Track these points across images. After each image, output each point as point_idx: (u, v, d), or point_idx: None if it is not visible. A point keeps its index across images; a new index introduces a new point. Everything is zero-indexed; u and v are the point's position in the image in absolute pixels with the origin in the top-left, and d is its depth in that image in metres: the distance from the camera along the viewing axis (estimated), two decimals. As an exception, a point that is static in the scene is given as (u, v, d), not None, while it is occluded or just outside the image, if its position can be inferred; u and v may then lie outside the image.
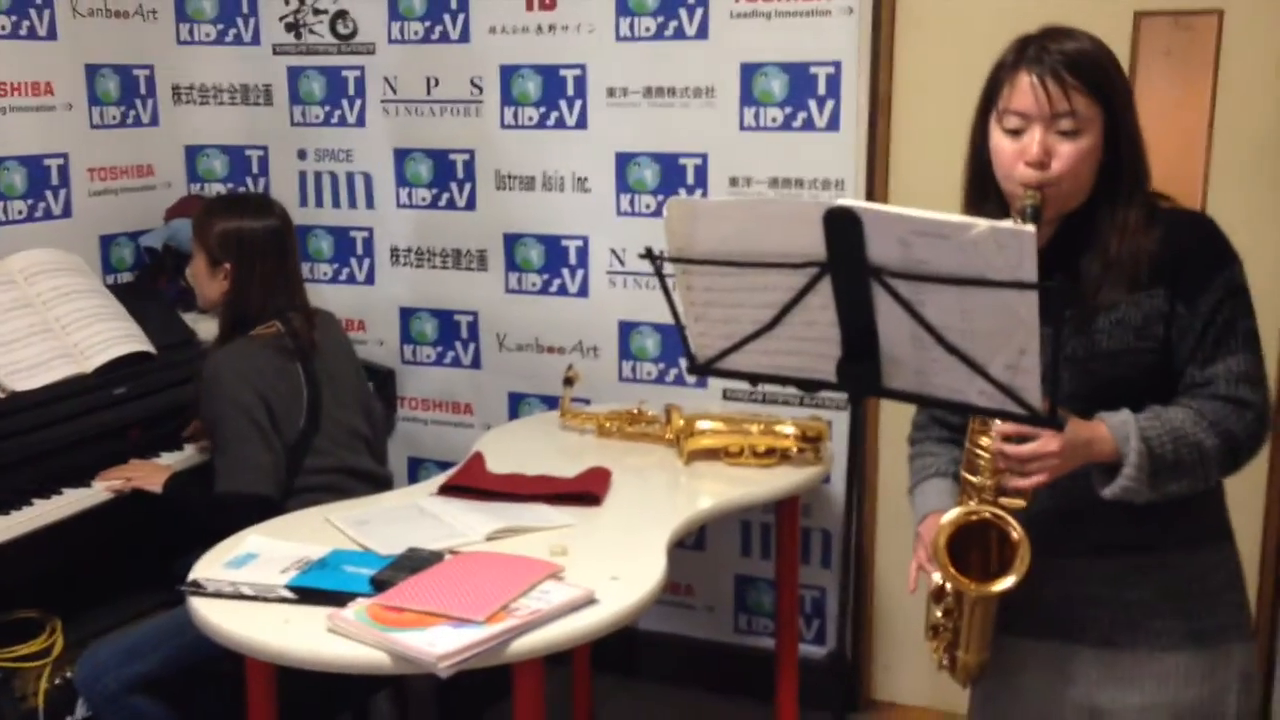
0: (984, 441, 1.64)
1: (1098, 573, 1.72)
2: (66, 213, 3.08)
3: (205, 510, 2.45)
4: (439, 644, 1.75)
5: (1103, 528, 1.69)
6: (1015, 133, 1.64)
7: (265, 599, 1.95)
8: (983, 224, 1.39)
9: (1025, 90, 1.62)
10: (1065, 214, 1.68)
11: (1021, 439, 1.59)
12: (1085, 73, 1.61)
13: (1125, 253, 1.64)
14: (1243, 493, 2.70)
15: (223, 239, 2.54)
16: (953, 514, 1.68)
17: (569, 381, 2.95)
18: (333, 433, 2.58)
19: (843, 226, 1.47)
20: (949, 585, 1.73)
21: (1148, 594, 1.70)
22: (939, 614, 1.79)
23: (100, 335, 2.76)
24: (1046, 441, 1.58)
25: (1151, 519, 1.66)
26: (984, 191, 1.72)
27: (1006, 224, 1.39)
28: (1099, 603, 1.72)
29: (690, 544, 3.21)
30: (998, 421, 1.61)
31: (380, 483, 2.68)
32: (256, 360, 2.49)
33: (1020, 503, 1.66)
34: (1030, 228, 1.37)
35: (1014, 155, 1.64)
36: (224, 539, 2.20)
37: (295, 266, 2.67)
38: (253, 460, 2.43)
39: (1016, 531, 1.63)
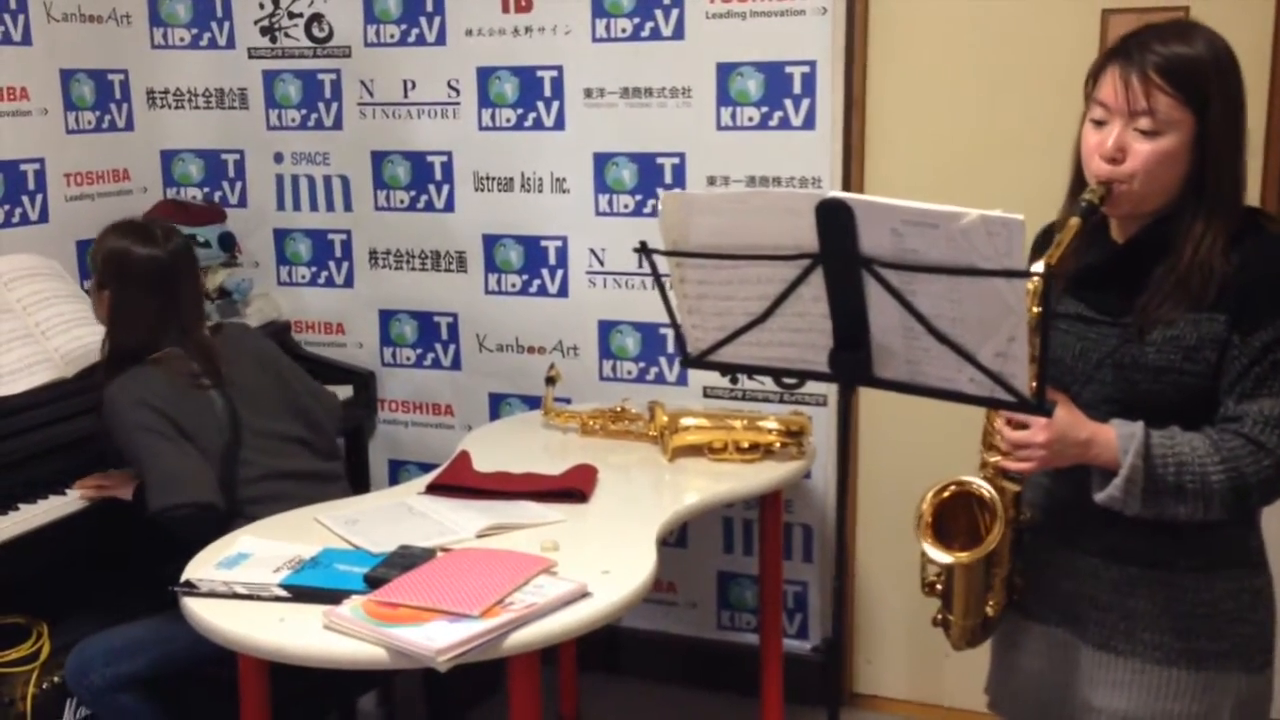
0: (998, 423, 1.68)
1: (1106, 577, 1.73)
2: (44, 218, 3.06)
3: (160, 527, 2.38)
4: (437, 638, 1.76)
5: (1117, 532, 1.69)
6: (1099, 124, 1.63)
7: (260, 598, 1.96)
8: (973, 213, 1.43)
9: (1109, 83, 1.61)
10: (1152, 216, 1.65)
11: (1021, 425, 1.62)
12: (1176, 76, 1.57)
13: (1195, 267, 1.60)
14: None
15: (105, 260, 2.46)
16: (932, 489, 1.73)
17: (551, 381, 2.97)
18: (256, 443, 2.50)
19: (835, 218, 1.50)
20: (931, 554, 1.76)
21: (1151, 607, 1.70)
22: (933, 574, 1.83)
23: (80, 340, 2.75)
24: (1035, 432, 1.61)
25: (1169, 536, 1.66)
26: (1084, 180, 1.68)
27: (996, 213, 1.42)
28: (1103, 607, 1.74)
29: (672, 541, 3.24)
30: None
31: (327, 479, 2.62)
32: (152, 384, 2.39)
33: (1015, 487, 1.70)
34: (1019, 216, 1.41)
35: (1093, 147, 1.63)
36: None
37: (189, 300, 2.52)
38: (171, 471, 2.33)
39: (987, 492, 1.69)
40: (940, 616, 1.85)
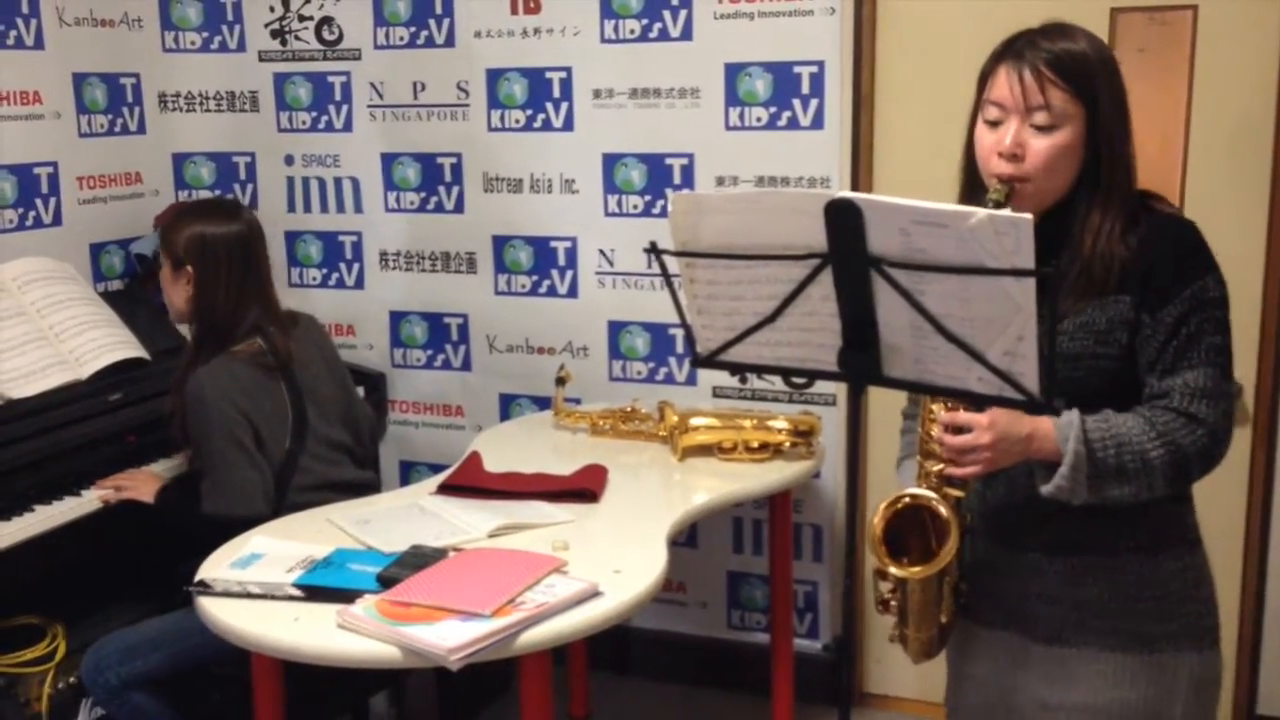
0: (934, 431, 1.69)
1: (1052, 570, 1.74)
2: (57, 221, 3.08)
3: (196, 527, 2.42)
4: (449, 637, 1.78)
5: (1059, 525, 1.71)
6: (994, 124, 1.67)
7: (274, 597, 1.97)
8: (981, 213, 1.43)
9: (1003, 82, 1.66)
10: (1046, 209, 1.68)
11: (959, 430, 1.63)
12: (1066, 70, 1.63)
13: (1096, 256, 1.65)
14: (1226, 492, 2.77)
15: (186, 242, 2.51)
16: (884, 503, 1.74)
17: (561, 381, 2.98)
18: (316, 450, 2.56)
19: (844, 218, 1.50)
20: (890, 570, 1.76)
21: (1099, 594, 1.72)
22: (885, 590, 1.83)
23: (94, 342, 2.77)
24: (979, 434, 1.62)
25: (1108, 521, 1.68)
26: (976, 181, 1.73)
27: (1005, 212, 1.43)
28: (1051, 600, 1.75)
29: (682, 541, 3.24)
30: (942, 411, 1.66)
31: (364, 490, 2.65)
32: (239, 379, 2.45)
33: (959, 493, 1.72)
34: (1028, 216, 1.41)
35: (990, 146, 1.67)
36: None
37: (265, 275, 2.61)
38: (239, 483, 2.40)
39: (945, 510, 1.69)
40: (897, 632, 1.86)
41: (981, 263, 1.45)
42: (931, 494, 1.71)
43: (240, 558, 2.12)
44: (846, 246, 1.53)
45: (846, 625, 1.92)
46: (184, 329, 3.06)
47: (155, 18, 3.37)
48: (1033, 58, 1.64)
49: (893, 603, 1.82)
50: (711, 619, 3.33)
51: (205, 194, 3.48)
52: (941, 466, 1.70)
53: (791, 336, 1.66)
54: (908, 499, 1.72)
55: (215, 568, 2.10)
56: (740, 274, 1.64)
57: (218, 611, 1.95)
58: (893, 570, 1.72)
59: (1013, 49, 1.67)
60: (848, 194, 1.50)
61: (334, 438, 2.63)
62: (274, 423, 2.49)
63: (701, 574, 3.31)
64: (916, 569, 1.71)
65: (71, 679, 2.45)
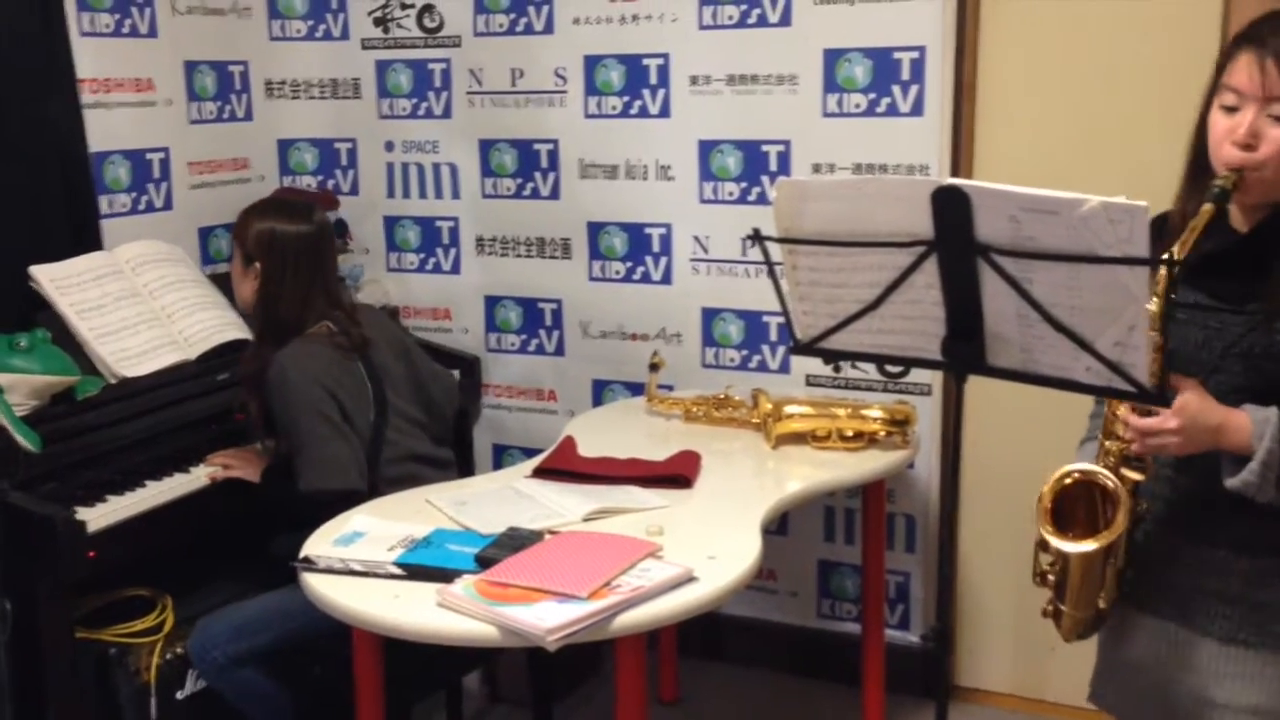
0: (1120, 410, 1.64)
1: (1237, 568, 1.69)
2: (168, 205, 3.17)
3: (296, 504, 2.47)
4: (547, 618, 1.80)
5: (1248, 524, 1.65)
6: (1230, 110, 1.60)
7: (375, 575, 2.01)
8: (1094, 200, 1.41)
9: (1243, 68, 1.58)
10: (1276, 201, 1.61)
11: (1149, 412, 1.58)
12: None
13: None
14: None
15: (256, 238, 2.56)
16: (1054, 475, 1.69)
17: (655, 367, 2.99)
18: (398, 423, 2.61)
19: (951, 205, 1.49)
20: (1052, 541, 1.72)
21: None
22: (1045, 564, 1.79)
23: (203, 324, 2.85)
24: (1166, 419, 1.57)
25: None
26: (1202, 166, 1.66)
27: (1119, 199, 1.40)
28: (1229, 599, 1.70)
29: (773, 529, 3.22)
30: None
31: (443, 464, 2.70)
32: (319, 357, 2.49)
33: (1138, 475, 1.67)
34: (1143, 203, 1.38)
35: (1223, 133, 1.60)
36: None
37: (331, 275, 2.65)
38: (331, 457, 2.44)
39: (1111, 483, 1.64)
40: (1051, 607, 1.82)
41: (1094, 251, 1.43)
42: (1101, 469, 1.66)
43: (343, 535, 2.17)
44: (953, 234, 1.52)
45: (943, 616, 1.91)
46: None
47: (263, 6, 3.45)
48: (1276, 45, 1.56)
49: (1050, 577, 1.78)
50: (801, 607, 3.32)
51: (309, 180, 3.55)
52: (1123, 446, 1.65)
53: (894, 324, 1.65)
54: (1078, 474, 1.68)
55: (319, 545, 2.15)
56: (843, 261, 1.63)
57: (321, 587, 2.00)
58: (1055, 543, 1.68)
59: (1256, 34, 1.59)
60: (956, 181, 1.49)
61: (411, 414, 2.67)
62: (357, 398, 2.53)
63: (792, 562, 3.30)
64: (1081, 544, 1.66)
65: (179, 649, 2.53)
